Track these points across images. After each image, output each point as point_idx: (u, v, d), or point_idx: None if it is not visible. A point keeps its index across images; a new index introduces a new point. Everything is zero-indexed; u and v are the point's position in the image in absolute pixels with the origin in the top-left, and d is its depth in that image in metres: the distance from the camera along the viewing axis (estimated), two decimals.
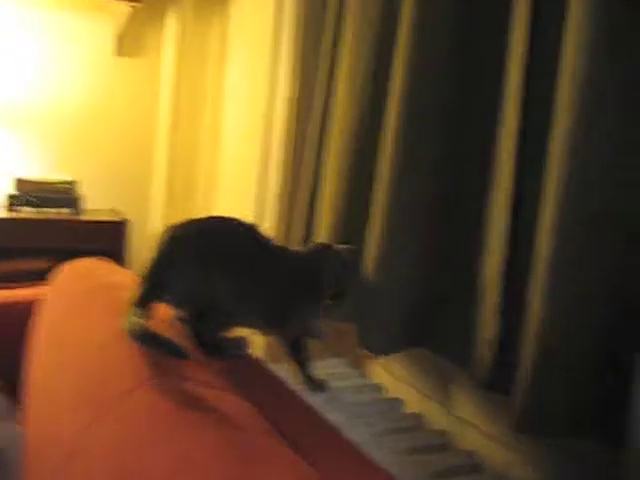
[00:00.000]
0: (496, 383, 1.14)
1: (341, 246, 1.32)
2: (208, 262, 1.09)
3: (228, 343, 1.12)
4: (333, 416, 1.18)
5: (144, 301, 0.99)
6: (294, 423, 0.83)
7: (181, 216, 1.19)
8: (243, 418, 0.68)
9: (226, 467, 0.55)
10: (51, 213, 2.36)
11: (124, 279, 1.28)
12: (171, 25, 2.67)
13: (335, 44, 1.64)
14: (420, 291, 1.32)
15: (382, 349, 1.38)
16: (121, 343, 0.89)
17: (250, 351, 1.16)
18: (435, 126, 1.29)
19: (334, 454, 0.75)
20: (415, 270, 1.31)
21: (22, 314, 1.36)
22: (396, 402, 1.46)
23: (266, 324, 1.28)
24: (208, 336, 1.06)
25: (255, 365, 1.10)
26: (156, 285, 1.04)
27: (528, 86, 1.08)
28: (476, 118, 1.25)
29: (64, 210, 2.40)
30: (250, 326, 1.27)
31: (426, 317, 1.33)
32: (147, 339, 0.91)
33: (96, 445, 0.67)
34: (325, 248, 1.33)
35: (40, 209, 2.34)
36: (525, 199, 1.10)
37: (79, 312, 1.10)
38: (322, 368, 1.51)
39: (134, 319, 0.94)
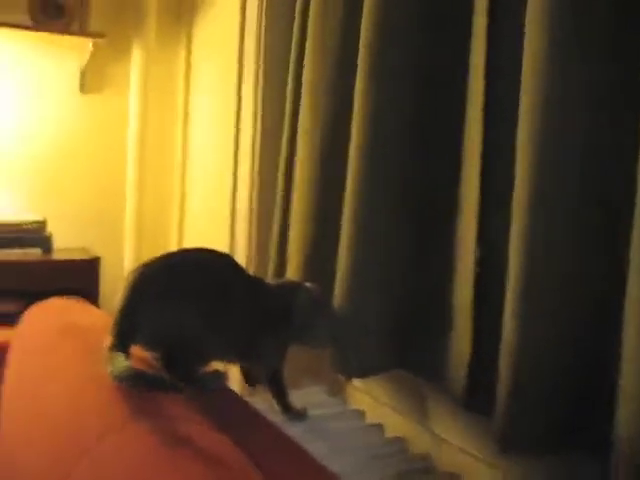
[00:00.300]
0: (474, 402, 1.14)
1: (310, 284, 1.34)
2: (175, 299, 1.07)
3: (204, 377, 1.11)
4: (314, 446, 1.16)
5: (121, 345, 0.98)
6: (274, 457, 0.81)
7: (155, 252, 1.18)
8: (222, 454, 0.67)
9: None
10: (19, 254, 2.32)
11: (95, 319, 1.26)
12: (135, 59, 2.67)
13: (298, 75, 1.65)
14: (395, 312, 1.32)
15: (358, 372, 1.37)
16: (93, 387, 0.88)
17: (228, 384, 1.15)
18: (400, 146, 1.29)
19: None
20: (389, 291, 1.31)
21: None
22: (377, 427, 1.45)
23: (239, 356, 1.27)
24: (183, 373, 1.05)
25: (233, 398, 1.08)
26: (127, 328, 1.02)
27: (490, 95, 1.10)
28: (441, 141, 1.26)
29: (34, 250, 2.36)
30: (224, 359, 1.26)
31: (402, 338, 1.33)
32: (137, 379, 0.90)
33: None
34: (295, 284, 1.34)
35: (8, 250, 2.30)
36: (494, 223, 1.11)
37: (49, 356, 1.07)
38: (300, 397, 1.50)
39: (118, 363, 0.92)
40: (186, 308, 1.08)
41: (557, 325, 0.96)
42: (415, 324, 1.31)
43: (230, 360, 1.30)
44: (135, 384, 0.88)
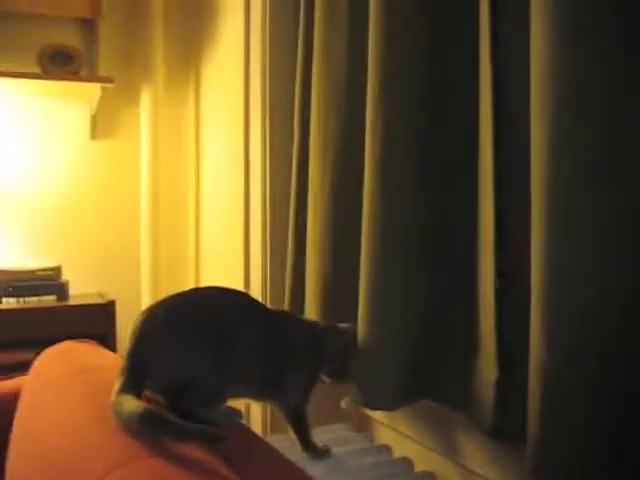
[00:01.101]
0: (504, 431, 1.08)
1: (344, 325, 1.31)
2: (186, 340, 1.03)
3: (217, 415, 1.05)
4: None
5: (131, 388, 0.92)
6: None
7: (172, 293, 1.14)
8: None
9: None
10: (34, 302, 2.30)
11: (106, 361, 1.22)
12: (145, 104, 2.68)
13: (303, 107, 1.64)
14: (418, 341, 1.26)
15: (382, 404, 1.31)
16: (100, 428, 0.83)
17: (243, 421, 1.10)
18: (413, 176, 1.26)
19: None
20: (411, 321, 1.26)
21: (6, 407, 1.29)
22: (405, 462, 1.38)
23: (261, 394, 1.22)
24: (194, 414, 0.99)
25: (247, 436, 1.03)
26: (138, 371, 0.97)
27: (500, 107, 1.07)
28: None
29: (49, 297, 2.35)
30: (244, 397, 1.22)
31: (427, 367, 1.27)
32: (156, 423, 0.81)
33: None
34: (327, 327, 1.31)
35: (23, 298, 2.28)
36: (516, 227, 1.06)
37: (57, 398, 1.03)
38: (323, 434, 1.44)
39: (129, 404, 0.85)
40: (198, 349, 1.04)
41: (588, 343, 0.89)
42: (439, 352, 1.26)
43: (252, 398, 1.25)
44: (154, 429, 0.80)
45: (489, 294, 1.09)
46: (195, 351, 1.03)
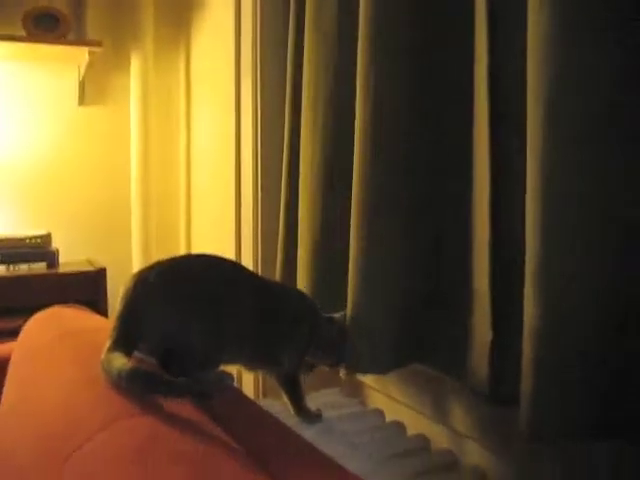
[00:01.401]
0: (499, 393, 1.07)
1: (336, 314, 1.31)
2: (178, 303, 1.01)
3: (209, 378, 1.04)
4: (331, 446, 1.10)
5: (121, 347, 0.91)
6: (281, 456, 0.75)
7: None
8: (220, 452, 0.61)
9: None
10: (24, 269, 2.28)
11: (95, 324, 1.22)
12: (134, 69, 2.63)
13: (295, 70, 1.62)
14: (409, 303, 1.26)
15: (374, 368, 1.30)
16: (89, 388, 0.82)
17: (235, 385, 1.09)
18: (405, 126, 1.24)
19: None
20: (402, 283, 1.25)
21: None
22: (397, 426, 1.38)
23: (252, 361, 1.22)
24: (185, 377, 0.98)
25: (238, 398, 1.02)
26: (128, 333, 0.95)
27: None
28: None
29: (39, 265, 2.33)
30: (236, 364, 1.21)
31: (416, 329, 1.26)
32: (144, 380, 0.80)
33: None
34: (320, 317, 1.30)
35: (13, 266, 2.26)
36: (509, 196, 1.04)
37: (46, 360, 1.03)
38: (315, 398, 1.45)
39: (118, 362, 0.84)
40: (190, 312, 1.02)
41: (586, 301, 0.89)
42: (430, 314, 1.25)
43: (244, 364, 1.24)
44: (142, 387, 0.80)
45: (483, 255, 1.08)
46: (187, 314, 1.02)
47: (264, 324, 1.15)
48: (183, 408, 0.76)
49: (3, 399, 1.10)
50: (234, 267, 1.17)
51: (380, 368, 1.31)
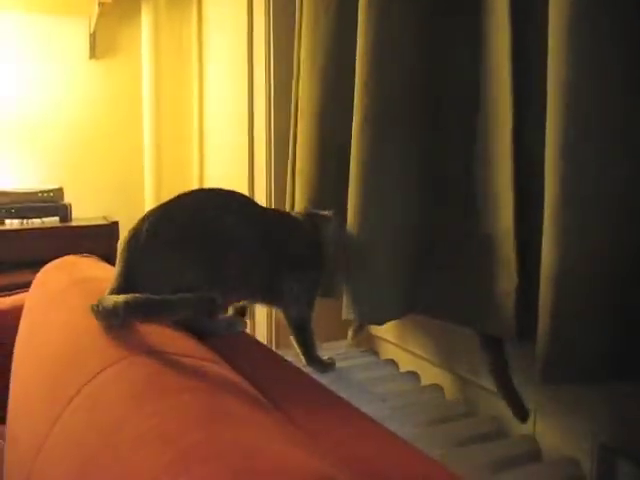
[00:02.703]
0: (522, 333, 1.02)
1: (326, 212, 1.23)
2: (175, 247, 0.97)
3: (220, 324, 1.03)
4: (345, 393, 1.09)
5: (120, 292, 0.89)
6: (290, 391, 0.74)
7: None
8: (228, 385, 0.60)
9: (209, 434, 0.47)
10: (37, 223, 2.28)
11: (107, 273, 1.20)
12: (146, 21, 2.59)
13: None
14: (411, 251, 1.17)
15: (375, 316, 1.23)
16: (95, 329, 0.81)
17: (245, 330, 1.08)
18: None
19: (328, 416, 0.67)
20: (408, 219, 1.16)
21: (10, 323, 1.28)
22: (410, 375, 1.37)
23: (261, 299, 1.19)
24: (193, 324, 0.95)
25: (249, 342, 1.01)
26: (127, 282, 0.93)
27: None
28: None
29: (52, 219, 2.32)
30: (243, 300, 1.17)
31: (422, 276, 1.18)
32: (145, 305, 0.79)
33: (64, 433, 0.59)
34: (314, 215, 1.24)
35: (26, 220, 2.26)
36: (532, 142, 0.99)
37: (57, 306, 1.02)
38: (327, 350, 1.43)
39: (114, 297, 0.82)
40: (184, 256, 0.98)
41: (603, 243, 0.86)
42: (433, 261, 1.17)
43: (252, 302, 1.20)
44: (143, 312, 0.79)
45: (506, 191, 1.00)
46: (181, 258, 0.98)
47: (267, 261, 1.09)
48: (192, 347, 0.75)
49: (17, 344, 1.10)
50: (235, 202, 1.10)
51: (381, 316, 1.23)
